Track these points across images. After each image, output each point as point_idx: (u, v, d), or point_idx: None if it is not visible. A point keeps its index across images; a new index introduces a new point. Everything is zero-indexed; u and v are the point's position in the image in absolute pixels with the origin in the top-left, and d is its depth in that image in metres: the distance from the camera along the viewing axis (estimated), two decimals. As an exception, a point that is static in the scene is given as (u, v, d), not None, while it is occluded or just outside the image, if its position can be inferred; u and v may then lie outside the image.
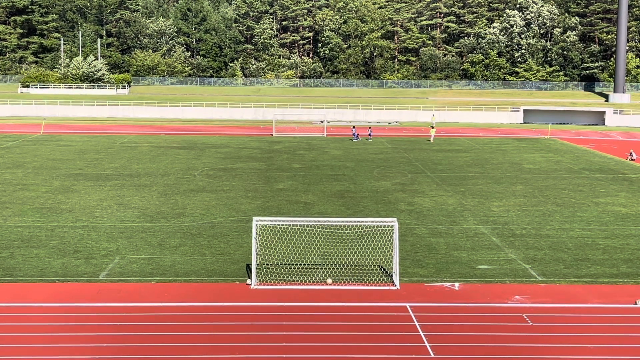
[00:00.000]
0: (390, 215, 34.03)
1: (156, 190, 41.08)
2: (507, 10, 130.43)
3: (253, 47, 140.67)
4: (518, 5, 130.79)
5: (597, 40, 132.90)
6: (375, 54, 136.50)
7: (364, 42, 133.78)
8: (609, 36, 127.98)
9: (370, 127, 76.89)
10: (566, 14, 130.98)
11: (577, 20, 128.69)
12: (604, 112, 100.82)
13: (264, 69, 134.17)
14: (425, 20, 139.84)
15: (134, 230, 31.04)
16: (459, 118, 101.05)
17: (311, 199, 39.24)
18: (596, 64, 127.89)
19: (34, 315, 20.75)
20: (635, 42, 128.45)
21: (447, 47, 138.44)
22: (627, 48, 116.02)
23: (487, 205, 37.73)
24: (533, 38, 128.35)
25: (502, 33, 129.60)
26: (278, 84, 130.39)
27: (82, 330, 19.53)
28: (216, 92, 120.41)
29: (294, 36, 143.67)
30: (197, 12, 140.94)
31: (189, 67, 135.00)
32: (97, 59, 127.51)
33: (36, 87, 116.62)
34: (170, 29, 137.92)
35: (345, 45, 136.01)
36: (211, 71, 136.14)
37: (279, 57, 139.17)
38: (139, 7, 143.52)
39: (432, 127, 75.77)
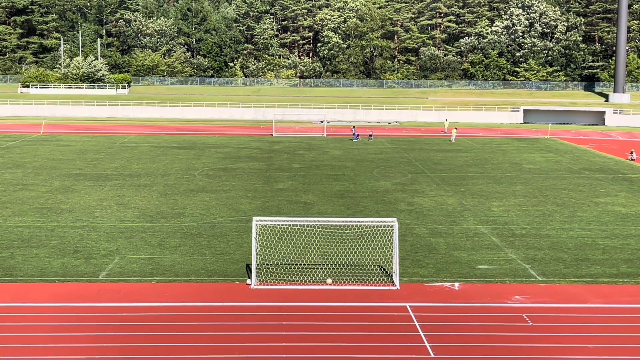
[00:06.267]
0: (390, 215, 34.03)
1: (156, 190, 41.08)
2: (512, 9, 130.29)
3: (253, 47, 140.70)
4: (521, 4, 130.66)
5: (597, 39, 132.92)
6: (375, 53, 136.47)
7: (363, 42, 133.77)
8: (610, 36, 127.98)
9: (354, 127, 76.65)
10: (568, 14, 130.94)
11: (581, 20, 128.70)
12: (604, 112, 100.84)
13: (263, 69, 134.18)
14: (425, 20, 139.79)
15: (134, 230, 31.04)
16: (459, 118, 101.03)
17: (311, 199, 39.24)
18: (597, 64, 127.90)
19: (34, 315, 20.74)
20: (636, 42, 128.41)
21: (447, 47, 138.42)
22: (627, 48, 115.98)
23: (487, 205, 37.73)
24: (536, 37, 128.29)
25: (504, 32, 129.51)
26: (278, 84, 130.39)
27: (82, 330, 19.53)
28: (216, 92, 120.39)
29: (293, 36, 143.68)
30: (197, 12, 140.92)
31: (189, 67, 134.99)
32: (97, 59, 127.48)
33: (36, 87, 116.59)
34: (170, 29, 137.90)
35: (345, 45, 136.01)
36: (211, 71, 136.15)
37: (279, 57, 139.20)
38: (139, 7, 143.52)
39: (455, 128, 75.52)
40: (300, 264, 25.72)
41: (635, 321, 20.88)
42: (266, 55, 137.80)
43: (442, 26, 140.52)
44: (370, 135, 73.23)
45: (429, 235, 30.79)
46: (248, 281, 23.75)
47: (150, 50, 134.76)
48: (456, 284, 23.94)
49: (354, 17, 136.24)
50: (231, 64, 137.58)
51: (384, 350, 18.38)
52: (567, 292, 23.41)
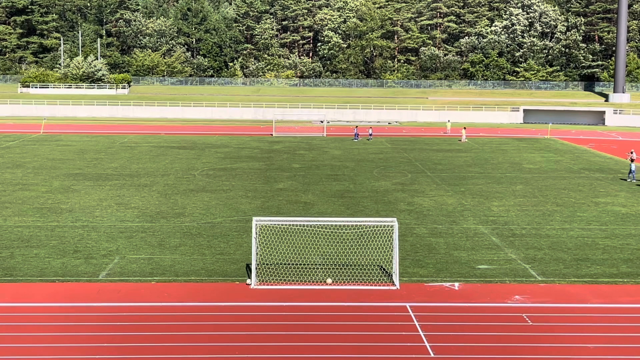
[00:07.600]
0: (390, 215, 34.03)
1: (156, 190, 41.08)
2: (512, 9, 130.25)
3: (253, 47, 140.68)
4: (521, 4, 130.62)
5: (597, 39, 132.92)
6: (375, 53, 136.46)
7: (363, 42, 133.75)
8: (610, 36, 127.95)
9: (357, 127, 77.70)
10: (569, 14, 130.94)
11: (581, 20, 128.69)
12: (604, 112, 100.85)
13: (263, 69, 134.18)
14: (425, 20, 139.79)
15: (134, 230, 31.04)
16: (459, 118, 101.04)
17: (311, 199, 39.24)
18: (597, 64, 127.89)
19: (34, 315, 20.74)
20: (636, 42, 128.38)
21: (447, 47, 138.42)
22: (627, 48, 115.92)
23: (487, 205, 37.73)
24: (536, 37, 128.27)
25: (504, 32, 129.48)
26: (278, 83, 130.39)
27: (82, 330, 19.52)
28: (216, 92, 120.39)
29: (293, 36, 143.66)
30: (197, 12, 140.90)
31: (189, 67, 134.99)
32: (97, 59, 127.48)
33: (36, 87, 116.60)
34: (170, 29, 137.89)
35: (345, 45, 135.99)
36: (211, 71, 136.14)
37: (279, 57, 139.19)
38: (139, 7, 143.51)
39: (464, 128, 75.87)
40: (300, 264, 25.72)
41: (635, 321, 20.88)
42: (266, 55, 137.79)
43: (442, 26, 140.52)
44: (370, 135, 73.25)
45: (429, 235, 30.79)
46: (248, 281, 23.75)
47: (150, 50, 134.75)
48: (456, 284, 23.94)
49: (354, 17, 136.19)
50: (231, 64, 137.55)
51: (384, 350, 18.38)
52: (567, 292, 23.41)
